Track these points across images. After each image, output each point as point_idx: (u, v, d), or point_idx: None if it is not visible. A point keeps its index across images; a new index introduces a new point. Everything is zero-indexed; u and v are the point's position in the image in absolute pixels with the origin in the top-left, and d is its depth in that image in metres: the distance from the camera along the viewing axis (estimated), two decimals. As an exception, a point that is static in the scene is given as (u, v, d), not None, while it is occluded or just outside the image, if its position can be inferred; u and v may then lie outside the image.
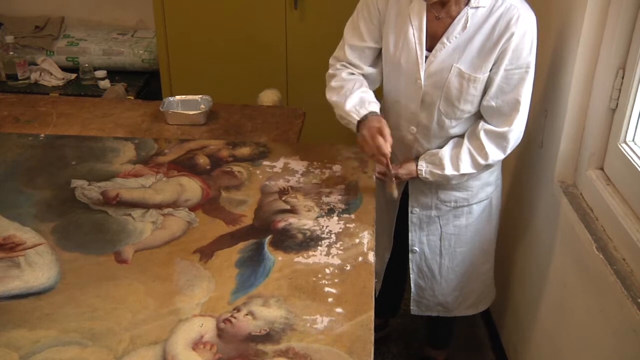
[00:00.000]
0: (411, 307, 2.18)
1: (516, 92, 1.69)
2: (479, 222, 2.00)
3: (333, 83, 1.83)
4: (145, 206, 1.67)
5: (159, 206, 1.67)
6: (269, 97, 2.49)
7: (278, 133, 2.12)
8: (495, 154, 1.76)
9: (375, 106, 1.75)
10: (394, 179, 1.78)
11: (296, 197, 1.71)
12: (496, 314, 2.53)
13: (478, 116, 1.79)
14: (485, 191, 1.96)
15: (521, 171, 2.25)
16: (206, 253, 1.50)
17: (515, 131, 1.73)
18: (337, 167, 1.86)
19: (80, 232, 1.58)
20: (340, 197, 1.72)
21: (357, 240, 1.56)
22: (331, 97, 1.81)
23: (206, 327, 1.29)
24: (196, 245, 1.53)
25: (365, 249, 1.53)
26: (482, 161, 1.77)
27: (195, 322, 1.30)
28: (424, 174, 1.83)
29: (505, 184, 2.10)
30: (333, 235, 1.57)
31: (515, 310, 2.34)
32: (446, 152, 1.80)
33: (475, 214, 1.98)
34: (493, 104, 1.72)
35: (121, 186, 1.75)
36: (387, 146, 1.67)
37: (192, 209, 1.67)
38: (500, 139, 1.74)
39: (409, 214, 2.01)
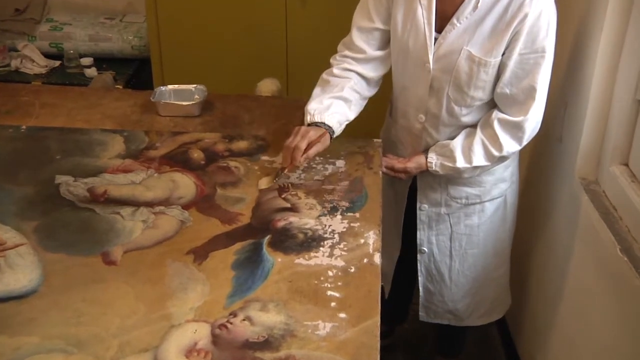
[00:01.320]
0: (420, 313, 2.18)
1: (531, 78, 1.69)
2: (492, 221, 2.01)
3: (324, 75, 1.88)
4: (135, 204, 1.67)
5: (150, 204, 1.68)
6: (268, 86, 2.49)
7: (278, 125, 2.12)
8: (510, 145, 1.76)
9: (335, 118, 1.78)
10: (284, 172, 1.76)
11: (297, 195, 1.72)
12: (512, 320, 2.53)
13: (492, 105, 1.79)
14: (498, 188, 1.96)
15: (539, 167, 2.25)
16: (200, 254, 1.51)
17: (532, 121, 1.73)
18: (340, 163, 1.86)
19: (65, 231, 1.58)
20: (344, 194, 1.73)
21: (362, 241, 1.56)
22: (316, 88, 1.87)
23: (200, 333, 1.29)
24: (190, 245, 1.53)
25: (370, 250, 1.53)
26: (496, 153, 1.77)
27: (188, 327, 1.31)
28: (434, 166, 1.84)
29: (521, 181, 2.10)
30: (336, 235, 1.57)
31: (532, 316, 2.34)
32: (458, 143, 1.81)
33: (488, 212, 1.99)
34: (507, 91, 1.72)
35: (109, 182, 1.75)
36: (299, 156, 1.69)
37: (186, 207, 1.67)
38: (515, 128, 1.74)
39: (417, 211, 2.01)
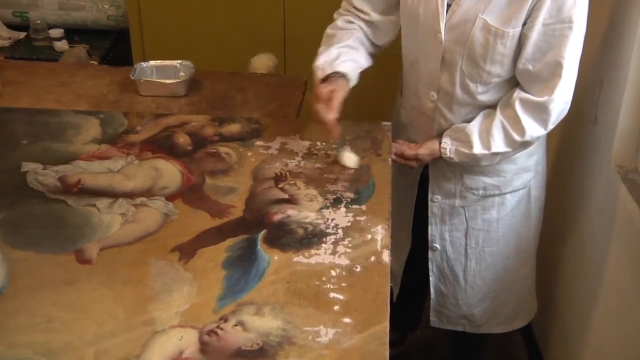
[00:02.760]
0: (431, 318, 2.19)
1: (557, 52, 1.68)
2: (514, 216, 2.01)
3: (328, 30, 1.92)
4: (113, 195, 1.68)
5: (129, 195, 1.68)
6: (262, 63, 2.50)
7: (274, 107, 2.13)
8: (534, 129, 1.76)
9: (347, 65, 1.81)
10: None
11: (296, 185, 1.73)
12: (538, 328, 2.54)
13: (513, 83, 1.79)
14: (521, 178, 1.96)
15: (569, 153, 2.26)
16: (187, 251, 1.51)
17: (558, 101, 1.73)
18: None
19: (34, 226, 1.59)
20: (348, 184, 1.73)
21: (369, 237, 1.57)
22: (321, 46, 1.89)
23: (187, 340, 1.30)
24: (175, 242, 1.54)
25: (378, 247, 1.54)
26: (517, 138, 1.77)
27: (173, 334, 1.31)
28: (448, 153, 1.84)
29: (549, 169, 2.10)
30: (340, 230, 1.58)
31: (561, 323, 2.35)
32: (475, 126, 1.81)
33: (509, 206, 1.99)
34: (530, 67, 1.72)
35: (83, 170, 1.76)
36: (328, 113, 1.72)
37: (170, 198, 1.68)
38: (539, 110, 1.74)
39: (429, 203, 2.02)
